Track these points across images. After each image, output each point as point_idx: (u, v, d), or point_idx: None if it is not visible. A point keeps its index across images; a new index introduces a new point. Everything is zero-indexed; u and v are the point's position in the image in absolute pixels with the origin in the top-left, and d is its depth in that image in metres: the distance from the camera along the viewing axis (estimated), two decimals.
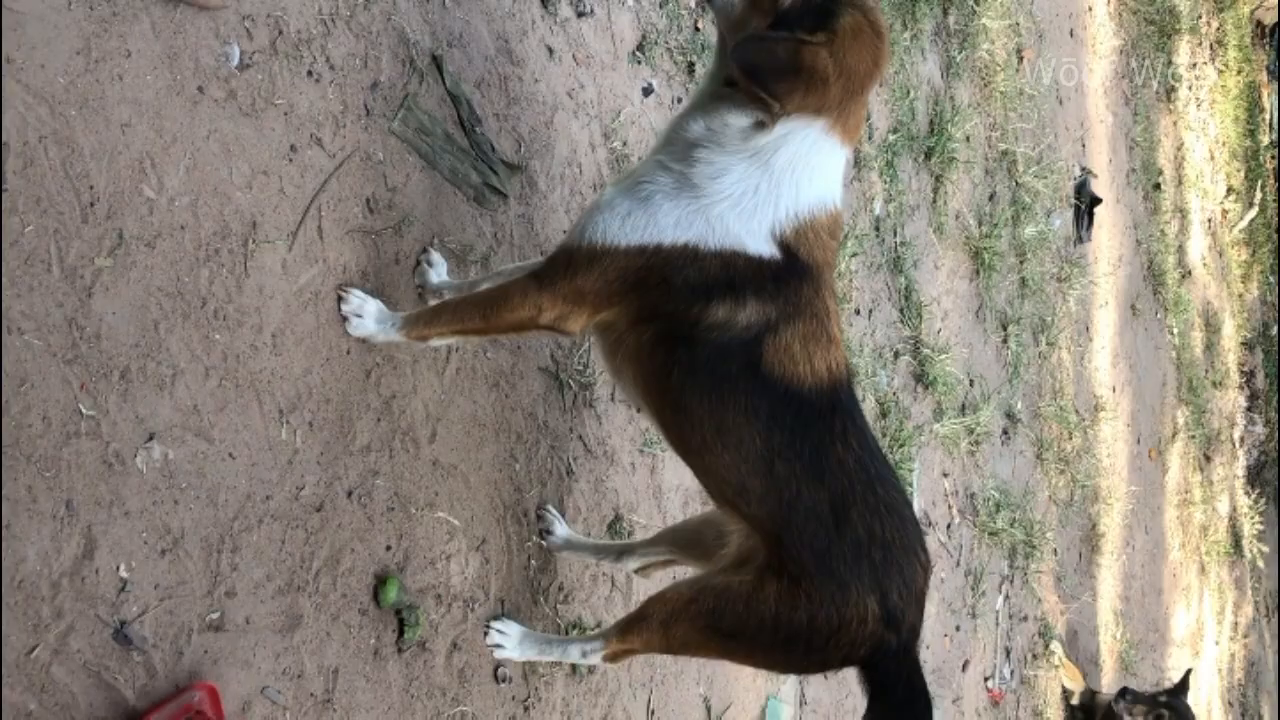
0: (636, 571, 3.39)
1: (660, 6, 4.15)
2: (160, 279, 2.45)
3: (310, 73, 2.82)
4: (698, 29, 4.36)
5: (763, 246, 2.48)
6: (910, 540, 2.65)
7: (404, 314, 2.86)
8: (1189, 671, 7.13)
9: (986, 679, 5.98)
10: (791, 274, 2.49)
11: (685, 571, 3.26)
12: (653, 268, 2.51)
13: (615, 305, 2.61)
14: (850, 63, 2.45)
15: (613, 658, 3.04)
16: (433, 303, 3.05)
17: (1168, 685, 7.82)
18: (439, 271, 3.06)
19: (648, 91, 4.03)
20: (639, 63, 4.01)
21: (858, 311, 5.19)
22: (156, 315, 2.43)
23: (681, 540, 3.15)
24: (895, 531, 2.61)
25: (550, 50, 3.63)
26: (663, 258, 2.50)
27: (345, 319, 2.82)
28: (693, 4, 4.37)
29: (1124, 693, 6.68)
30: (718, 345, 2.50)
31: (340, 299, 2.82)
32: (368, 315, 2.83)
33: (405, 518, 2.95)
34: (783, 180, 2.47)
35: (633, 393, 2.78)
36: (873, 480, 2.60)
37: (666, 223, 2.49)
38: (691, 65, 4.25)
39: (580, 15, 3.77)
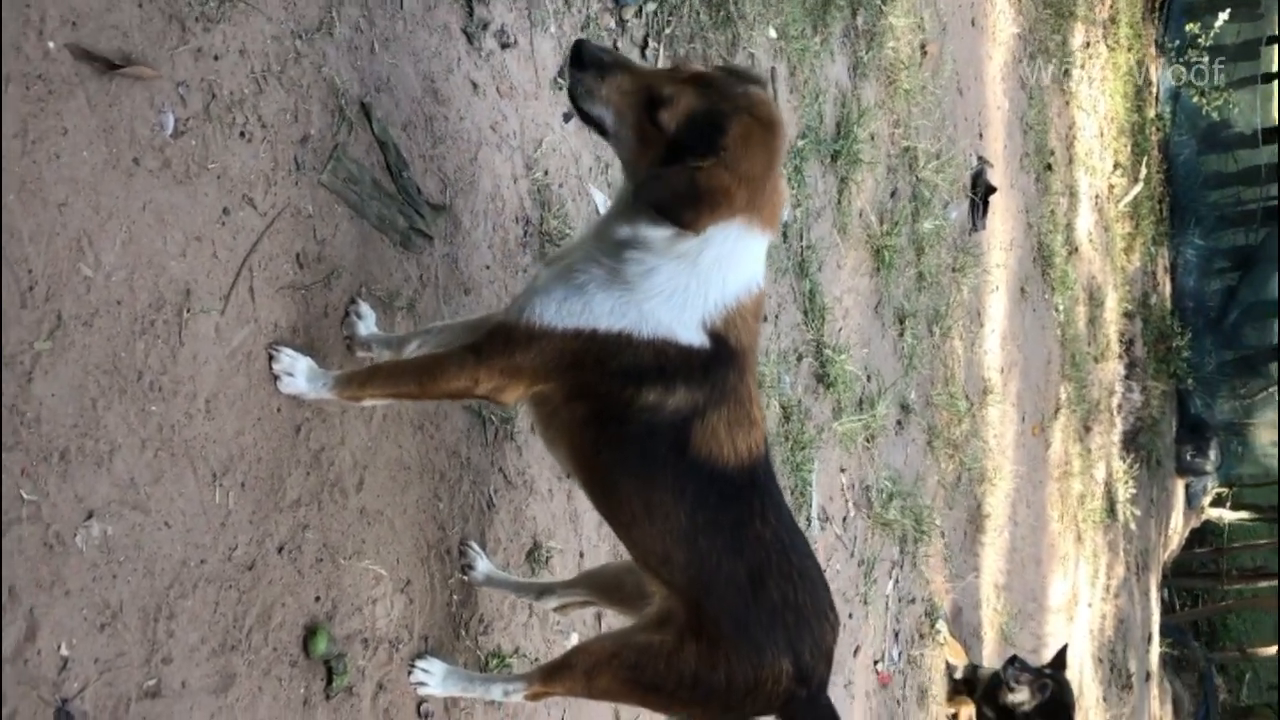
0: (555, 610, 3.52)
1: (581, 29, 4.20)
2: (97, 356, 2.47)
3: (243, 133, 2.84)
4: (616, 47, 4.41)
5: (693, 336, 2.59)
6: (821, 604, 2.82)
7: (336, 373, 2.92)
8: (1065, 647, 7.48)
9: (876, 662, 6.24)
10: (719, 361, 2.61)
11: (604, 613, 3.39)
12: (588, 351, 2.61)
13: (551, 381, 2.70)
14: (746, 168, 2.54)
15: (534, 697, 3.17)
16: (361, 353, 3.11)
17: (1048, 659, 8.22)
18: (367, 323, 3.11)
19: (568, 117, 4.08)
20: (560, 88, 4.05)
21: (765, 319, 5.32)
22: (94, 393, 2.46)
23: (601, 585, 3.28)
24: (807, 596, 2.78)
25: (475, 85, 3.67)
26: (598, 343, 2.60)
27: (276, 378, 2.87)
28: (612, 24, 4.42)
29: (1012, 660, 6.97)
30: (648, 426, 2.62)
31: (271, 358, 2.87)
32: (299, 374, 2.88)
33: (334, 568, 3.03)
34: (710, 276, 2.58)
35: (564, 463, 2.89)
36: (787, 550, 2.76)
37: (601, 311, 2.59)
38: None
39: (504, 47, 3.81)
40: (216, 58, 2.78)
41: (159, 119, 2.63)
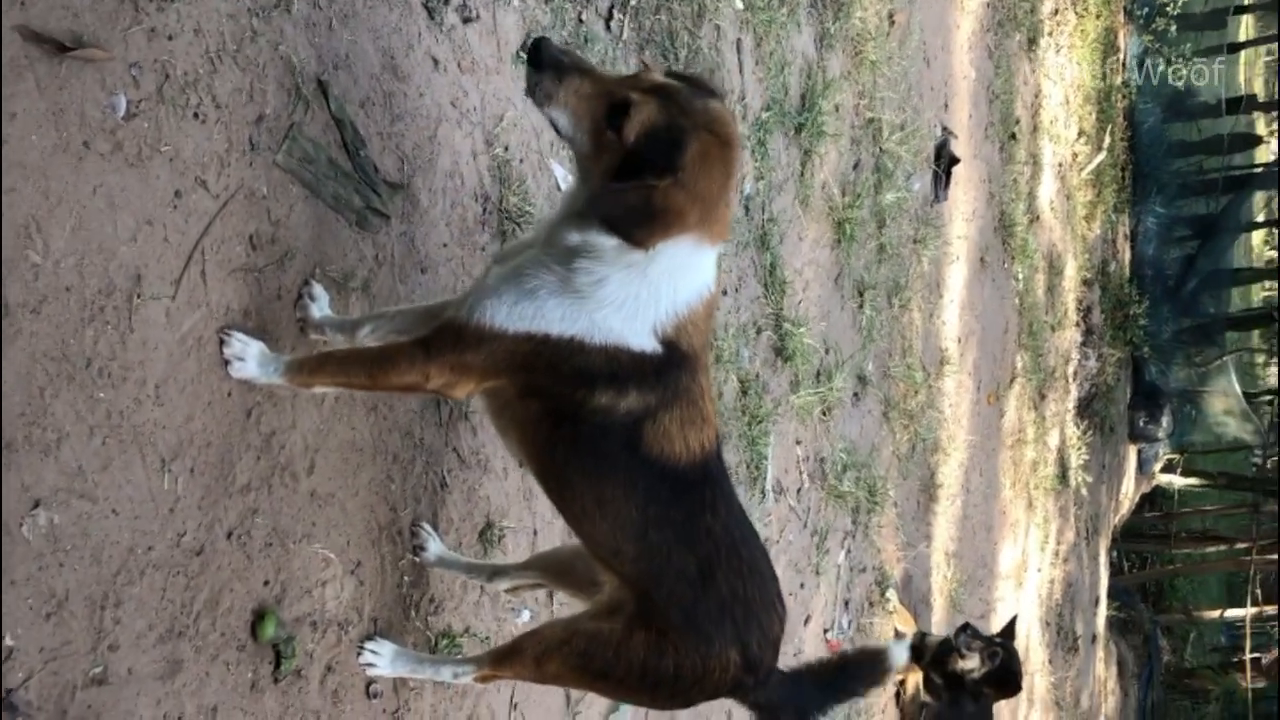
0: (507, 591, 3.55)
1: (545, 2, 4.16)
2: (46, 344, 2.45)
3: (196, 114, 2.80)
4: (581, 21, 4.37)
5: (645, 342, 2.59)
6: (769, 596, 2.87)
7: (288, 358, 2.90)
8: (1014, 618, 7.58)
9: (826, 631, 6.32)
10: (671, 365, 2.62)
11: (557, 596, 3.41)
12: (539, 354, 2.61)
13: (502, 379, 2.70)
14: (703, 188, 2.54)
15: (483, 680, 3.20)
16: (314, 335, 3.10)
17: (997, 626, 8.35)
18: (321, 305, 3.09)
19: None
20: (523, 62, 4.01)
21: (725, 292, 5.33)
22: (42, 381, 2.44)
23: (553, 568, 3.30)
24: (756, 589, 2.82)
25: (435, 61, 3.63)
26: (550, 346, 2.60)
27: (228, 362, 2.85)
28: None
29: (965, 628, 7.05)
30: (600, 427, 2.63)
31: (222, 343, 2.84)
32: (250, 358, 2.86)
33: (283, 551, 3.03)
34: (660, 285, 2.58)
35: (516, 453, 2.91)
36: (737, 544, 2.79)
37: (553, 316, 2.59)
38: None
39: (466, 21, 3.77)
40: (170, 37, 2.73)
41: (110, 101, 2.59)
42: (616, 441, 2.64)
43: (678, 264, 2.57)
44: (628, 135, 2.50)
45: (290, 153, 3.07)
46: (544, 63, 2.56)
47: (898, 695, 7.26)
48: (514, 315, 2.61)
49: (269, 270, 3.01)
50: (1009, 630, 7.33)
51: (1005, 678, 7.09)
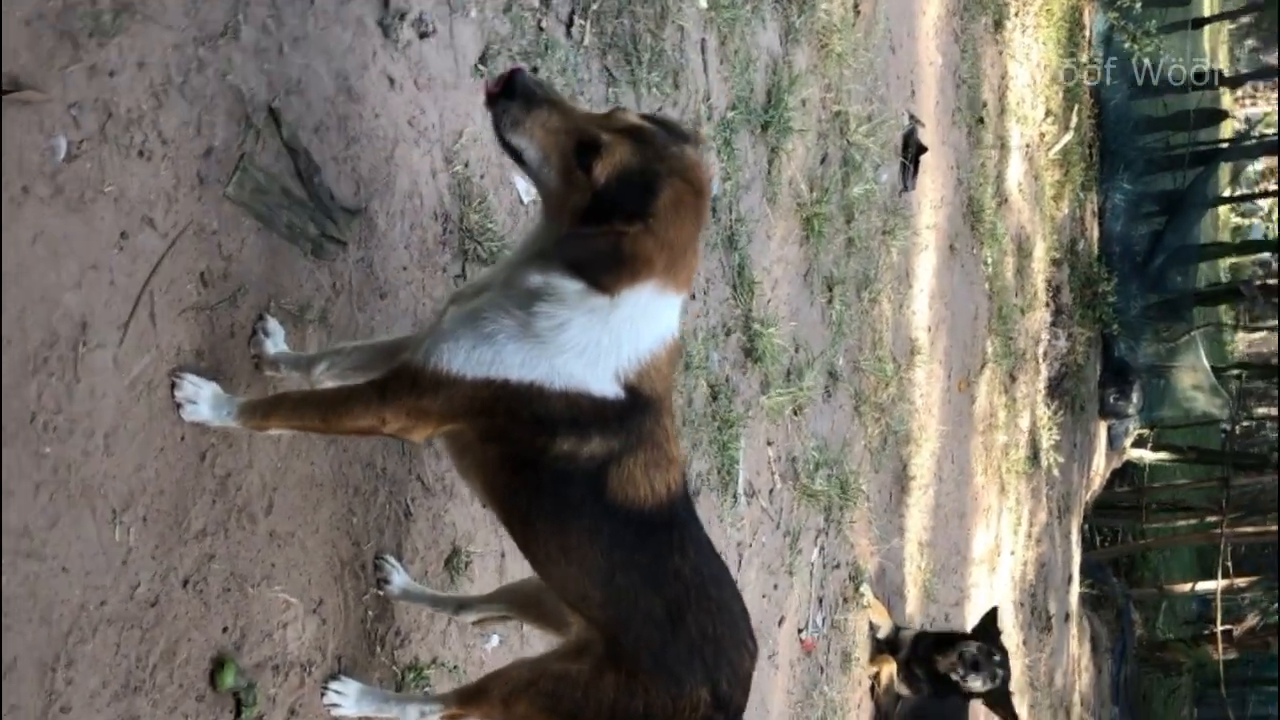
0: (474, 624, 3.48)
1: (504, 12, 4.06)
2: None
3: (141, 152, 2.70)
4: (541, 29, 4.28)
5: (607, 388, 2.53)
6: (739, 634, 2.82)
7: (242, 400, 2.82)
8: (994, 611, 7.55)
9: (800, 630, 6.29)
10: (634, 410, 2.55)
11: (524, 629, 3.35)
12: (499, 400, 2.54)
13: (461, 423, 2.63)
14: (672, 235, 2.47)
15: (450, 719, 3.13)
16: (269, 372, 3.02)
17: (970, 613, 8.37)
18: (276, 340, 3.00)
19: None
20: (481, 75, 3.92)
21: (693, 296, 5.26)
22: None
23: (519, 601, 3.24)
24: (726, 628, 2.77)
25: (391, 80, 3.54)
26: (509, 392, 2.53)
27: (179, 405, 2.77)
28: (536, 3, 4.28)
29: (974, 648, 7.05)
30: (563, 473, 2.57)
31: (174, 386, 2.76)
32: (202, 401, 2.78)
33: (241, 596, 2.95)
34: (622, 332, 2.52)
35: (479, 495, 2.84)
36: (706, 584, 2.74)
37: (512, 362, 2.52)
38: (535, 70, 4.18)
39: (423, 36, 3.67)
40: (112, 74, 2.64)
41: (50, 144, 2.50)
42: (580, 487, 2.57)
43: (641, 310, 2.50)
44: (598, 176, 2.43)
45: (241, 184, 2.98)
46: (515, 90, 2.48)
47: (872, 689, 7.26)
48: (471, 360, 2.54)
49: (221, 307, 2.92)
50: (991, 625, 7.33)
51: (1004, 698, 7.14)
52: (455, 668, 3.66)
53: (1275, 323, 23.12)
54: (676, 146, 2.51)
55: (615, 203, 2.42)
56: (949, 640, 7.18)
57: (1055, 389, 12.56)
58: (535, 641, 3.77)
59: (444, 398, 2.57)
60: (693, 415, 5.14)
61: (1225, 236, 25.63)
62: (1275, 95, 24.52)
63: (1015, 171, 11.04)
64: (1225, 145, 16.77)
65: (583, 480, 2.56)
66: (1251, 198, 24.49)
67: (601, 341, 2.51)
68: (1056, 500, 12.68)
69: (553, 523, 2.64)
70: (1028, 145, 11.57)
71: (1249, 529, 16.30)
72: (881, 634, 7.27)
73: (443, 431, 2.70)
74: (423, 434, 2.69)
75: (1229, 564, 15.90)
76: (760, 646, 5.83)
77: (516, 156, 2.56)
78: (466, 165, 3.83)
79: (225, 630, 2.91)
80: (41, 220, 2.48)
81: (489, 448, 2.64)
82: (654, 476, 2.61)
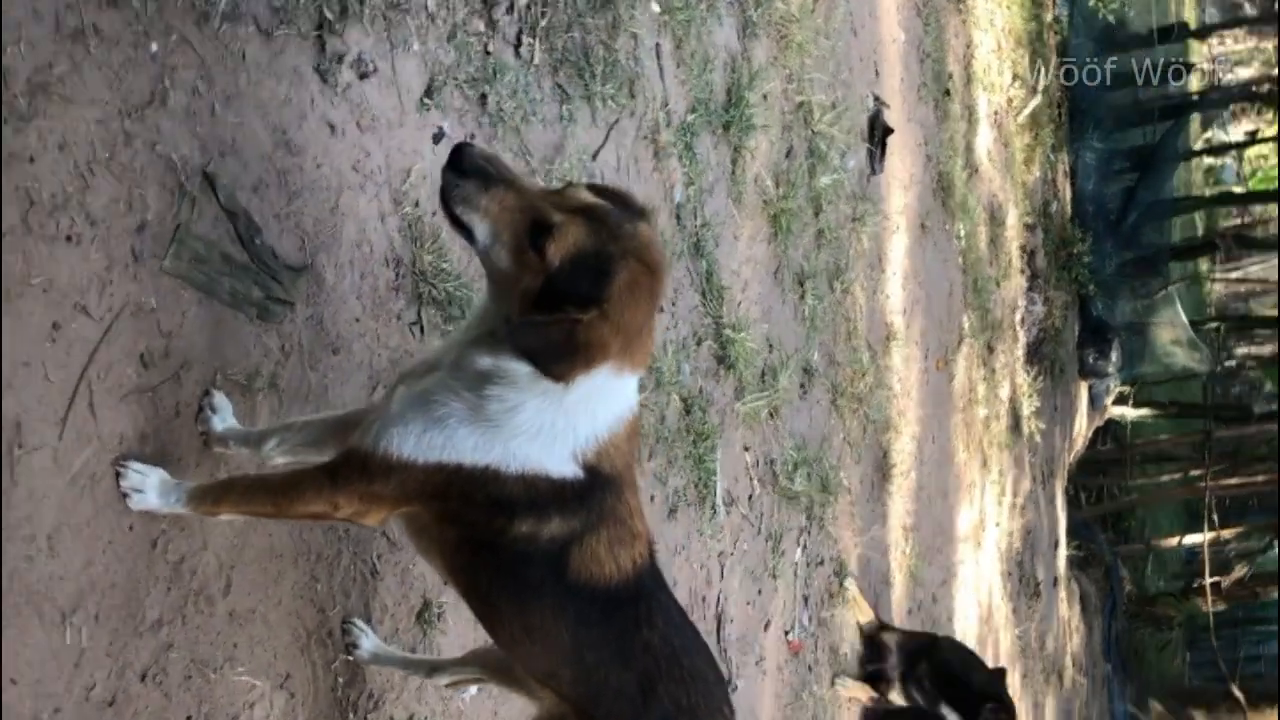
0: (447, 686, 3.41)
1: (448, 40, 3.94)
2: None
3: (69, 237, 2.60)
4: (488, 53, 4.16)
5: (565, 469, 2.45)
6: (715, 700, 2.76)
7: (190, 485, 2.74)
8: (1003, 671, 7.54)
9: (786, 632, 6.25)
10: (594, 488, 2.48)
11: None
12: (452, 484, 2.46)
13: (416, 506, 2.55)
14: (628, 319, 2.39)
15: None
16: (218, 449, 2.92)
17: (956, 590, 8.35)
18: (224, 416, 2.91)
19: (438, 138, 3.85)
20: (428, 109, 3.82)
21: (660, 309, 5.16)
22: None
23: (492, 664, 3.17)
24: (700, 696, 2.71)
25: (332, 126, 3.43)
26: (463, 476, 2.45)
27: (126, 495, 2.68)
28: (481, 26, 4.16)
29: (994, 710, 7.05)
30: (523, 555, 2.49)
31: (118, 475, 2.67)
32: (149, 489, 2.69)
33: (204, 682, 2.87)
34: (578, 413, 2.44)
35: (440, 574, 2.76)
36: (677, 654, 2.67)
37: (465, 446, 2.44)
38: (484, 96, 4.07)
39: (363, 77, 3.56)
40: (32, 159, 2.53)
41: None
42: (542, 568, 2.50)
43: (597, 391, 2.42)
44: (552, 258, 2.33)
45: (179, 256, 2.88)
46: (467, 169, 2.38)
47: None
48: (422, 445, 2.45)
49: (164, 387, 2.82)
50: (1000, 682, 7.31)
51: None
52: None
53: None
54: (630, 224, 2.41)
55: (569, 287, 2.34)
56: (963, 690, 7.10)
57: (1034, 355, 12.51)
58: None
59: (396, 483, 2.49)
60: (665, 432, 5.06)
61: (1199, 181, 25.60)
62: (1246, 39, 24.52)
63: (984, 140, 10.94)
64: (1195, 98, 16.71)
65: (544, 561, 2.49)
66: (1225, 149, 24.46)
67: (557, 424, 2.43)
68: (1040, 466, 12.67)
69: (516, 603, 2.56)
70: (995, 112, 11.47)
71: (1233, 481, 16.36)
72: (863, 622, 7.22)
73: (398, 514, 2.62)
74: (376, 518, 2.62)
75: (1214, 516, 15.95)
76: (748, 655, 5.80)
77: (466, 234, 2.46)
78: (417, 205, 3.73)
79: (189, 719, 2.83)
80: None
81: (446, 529, 2.57)
82: (618, 553, 2.53)
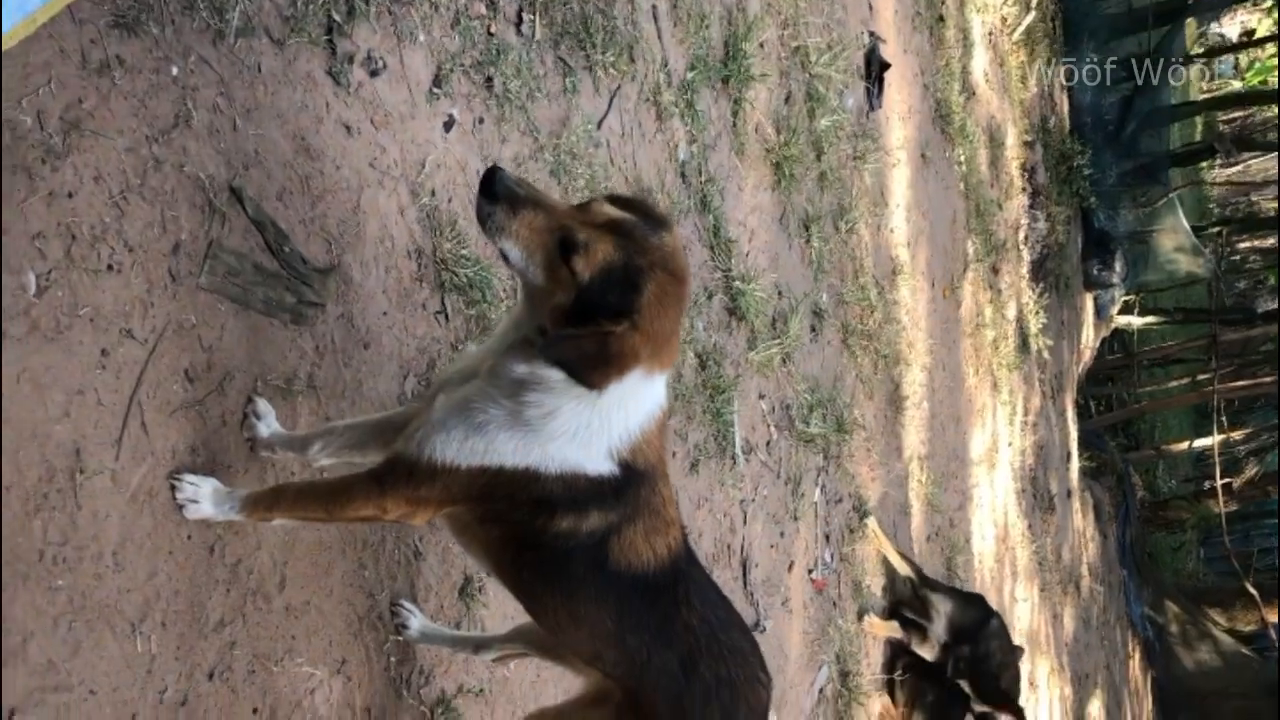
0: (494, 661, 3.56)
1: (452, 27, 4.01)
2: None
3: (110, 265, 2.71)
4: (491, 34, 4.23)
5: (601, 466, 2.57)
6: (752, 671, 2.90)
7: (243, 493, 2.86)
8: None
9: (810, 571, 6.41)
10: (630, 483, 2.60)
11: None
12: (495, 485, 2.58)
13: (460, 506, 2.68)
14: (657, 328, 2.49)
15: None
16: (265, 454, 3.05)
17: (972, 512, 8.52)
18: (268, 422, 3.03)
19: (449, 125, 3.94)
20: (437, 97, 3.90)
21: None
22: None
23: (537, 640, 3.31)
24: (739, 669, 2.85)
25: (348, 127, 3.51)
26: (505, 478, 2.57)
27: (182, 506, 2.81)
28: (483, 9, 4.23)
29: None
30: (565, 549, 2.62)
31: (174, 488, 2.80)
32: (204, 499, 2.82)
33: (266, 675, 3.02)
34: (611, 414, 2.55)
35: (483, 568, 2.90)
36: (715, 631, 2.81)
37: (505, 449, 2.56)
38: (490, 79, 4.15)
39: (374, 74, 3.63)
40: (71, 194, 2.63)
41: (19, 282, 2.50)
42: (583, 561, 2.63)
43: (630, 394, 2.53)
44: (582, 274, 2.44)
45: (213, 271, 2.99)
46: (498, 194, 2.48)
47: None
48: (465, 451, 2.58)
49: (210, 399, 2.94)
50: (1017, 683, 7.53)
51: None
52: (481, 691, 3.76)
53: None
54: (655, 236, 2.51)
55: (600, 300, 2.45)
56: (990, 684, 7.31)
57: (1038, 272, 12.58)
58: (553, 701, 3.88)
59: (441, 487, 2.61)
60: (683, 389, 5.18)
61: (1196, 78, 25.39)
62: None
63: (980, 62, 10.93)
64: (1190, 1, 16.55)
65: (585, 554, 2.62)
66: (1221, 51, 24.26)
67: (592, 426, 2.54)
68: (1049, 382, 12.79)
69: (560, 595, 2.71)
70: (990, 33, 11.45)
71: (1240, 382, 16.48)
72: (901, 574, 7.37)
73: (443, 514, 2.75)
74: (423, 519, 2.75)
75: (1223, 419, 16.10)
76: (774, 597, 5.96)
77: (503, 256, 2.57)
78: (433, 194, 3.82)
79: (255, 711, 2.99)
80: (22, 358, 2.49)
81: (489, 528, 2.70)
82: (655, 541, 2.67)
